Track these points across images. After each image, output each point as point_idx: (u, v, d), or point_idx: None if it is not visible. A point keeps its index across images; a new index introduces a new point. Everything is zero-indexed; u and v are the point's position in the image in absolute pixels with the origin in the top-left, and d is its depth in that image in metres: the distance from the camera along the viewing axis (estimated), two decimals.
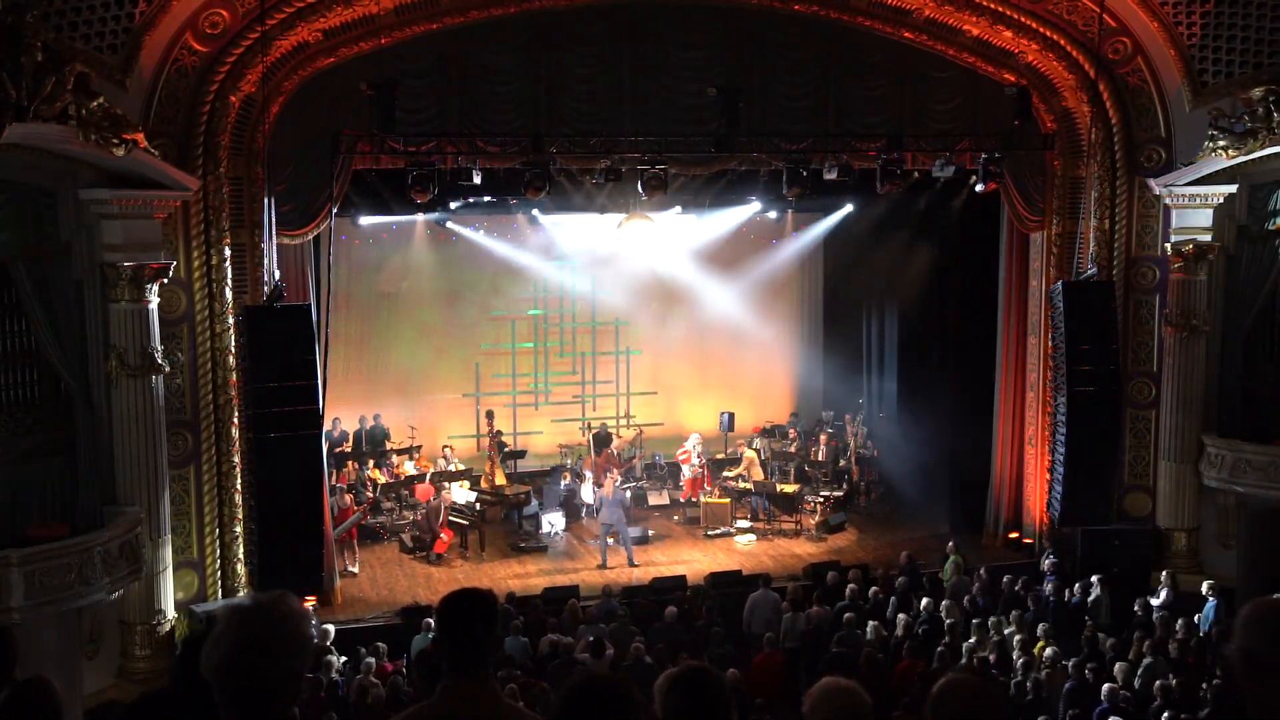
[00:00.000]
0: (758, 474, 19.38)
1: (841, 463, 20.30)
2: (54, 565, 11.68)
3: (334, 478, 18.21)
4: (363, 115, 14.03)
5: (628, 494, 18.21)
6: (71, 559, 11.82)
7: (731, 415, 21.36)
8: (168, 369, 13.36)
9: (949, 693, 3.12)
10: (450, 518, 17.77)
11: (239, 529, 14.24)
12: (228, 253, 13.92)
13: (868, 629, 12.52)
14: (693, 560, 17.16)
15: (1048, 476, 16.58)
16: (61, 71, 11.68)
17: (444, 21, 14.30)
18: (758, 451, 20.16)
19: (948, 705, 3.09)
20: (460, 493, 18.20)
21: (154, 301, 13.21)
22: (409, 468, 19.38)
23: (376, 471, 18.92)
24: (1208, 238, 15.48)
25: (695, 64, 15.24)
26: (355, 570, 16.76)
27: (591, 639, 12.30)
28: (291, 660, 2.78)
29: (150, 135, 12.83)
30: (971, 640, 12.57)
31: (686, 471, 19.85)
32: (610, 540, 17.36)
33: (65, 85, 11.70)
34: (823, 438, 20.76)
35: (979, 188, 16.32)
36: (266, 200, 14.15)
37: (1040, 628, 12.67)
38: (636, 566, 16.91)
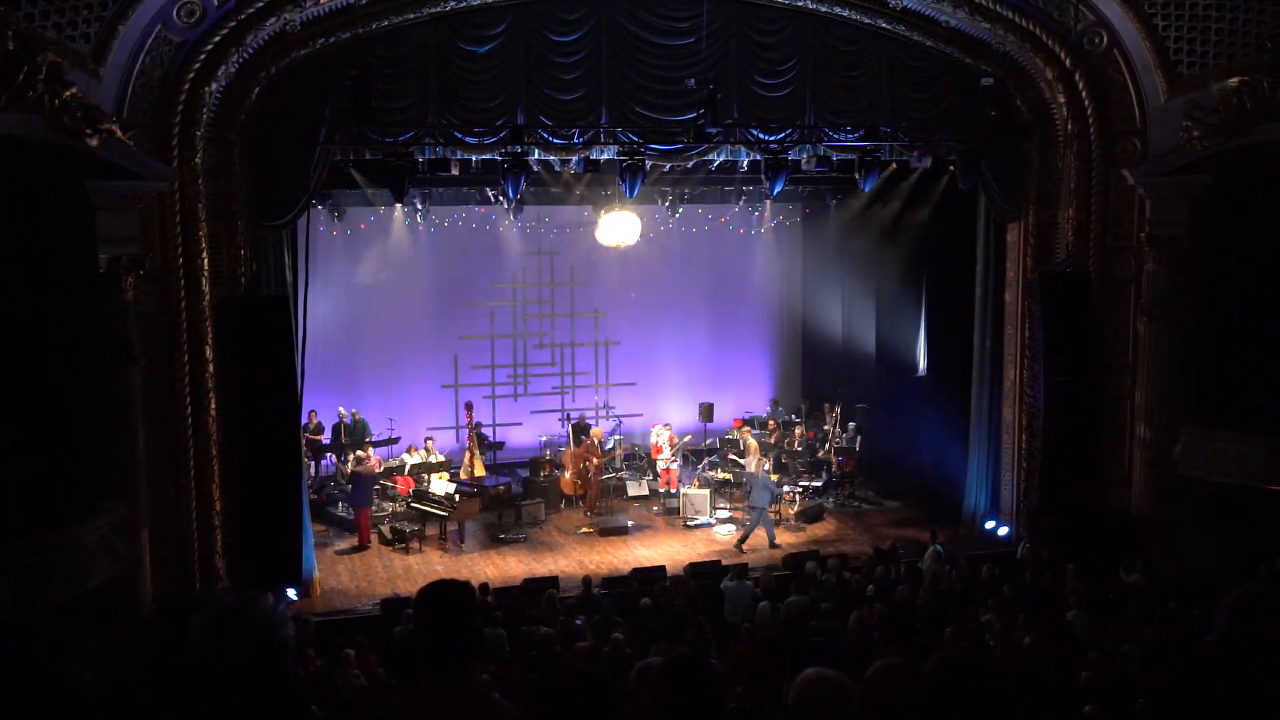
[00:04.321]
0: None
1: (820, 453, 20.37)
2: (34, 559, 11.61)
3: (311, 469, 18.19)
4: (341, 105, 13.97)
5: (773, 477, 18.36)
6: (51, 553, 11.75)
7: (711, 405, 21.41)
8: (144, 361, 13.29)
9: (811, 685, 3.16)
10: (428, 507, 17.76)
11: (217, 522, 14.17)
12: (204, 244, 13.82)
13: (851, 619, 12.56)
14: (673, 550, 17.20)
15: (1025, 465, 16.68)
16: (34, 61, 11.59)
17: (422, 10, 14.24)
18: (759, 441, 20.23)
19: (810, 697, 3.13)
20: (439, 484, 18.19)
21: (131, 293, 13.14)
22: (405, 458, 19.39)
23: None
24: (1183, 228, 15.56)
25: (674, 55, 15.21)
26: None
27: (573, 627, 12.33)
28: (269, 663, 2.76)
29: (125, 125, 12.77)
30: (949, 629, 12.62)
31: (660, 463, 19.92)
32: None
33: (37, 75, 11.62)
34: (798, 429, 20.83)
35: (963, 187, 16.40)
36: (243, 191, 14.08)
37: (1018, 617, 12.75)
38: (779, 548, 17.09)
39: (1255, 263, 15.67)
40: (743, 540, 17.34)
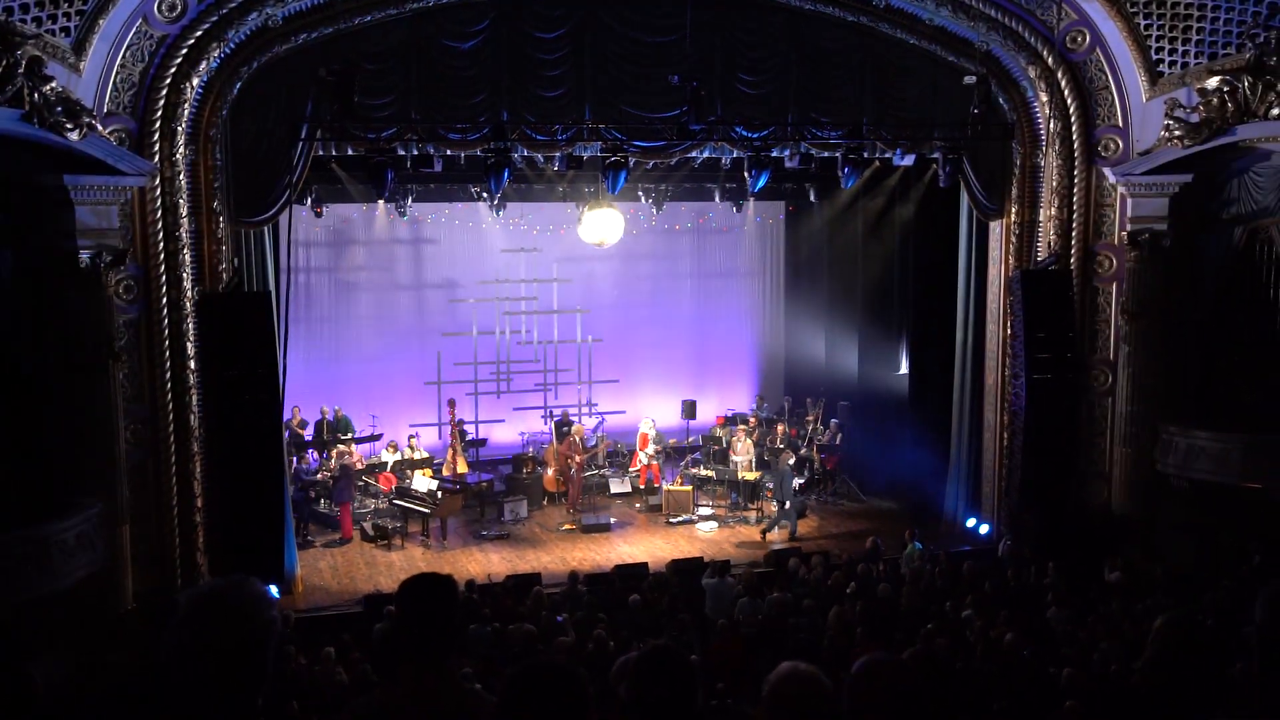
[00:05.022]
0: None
1: (802, 450, 20.41)
2: (11, 556, 11.54)
3: (294, 465, 18.14)
4: (323, 101, 13.92)
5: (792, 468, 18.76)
6: (29, 550, 11.68)
7: (693, 403, 21.43)
8: (125, 358, 13.23)
9: (785, 681, 3.17)
10: (410, 504, 17.74)
11: (198, 518, 14.12)
12: (186, 239, 13.76)
13: (830, 614, 12.59)
14: (655, 547, 17.22)
15: (1006, 463, 16.74)
16: (13, 55, 11.53)
17: (405, 6, 14.19)
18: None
19: (784, 693, 3.14)
20: (422, 481, 18.16)
21: (111, 289, 13.08)
22: (385, 455, 19.37)
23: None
24: (1163, 226, 15.66)
25: (658, 51, 15.19)
26: None
27: (554, 624, 12.32)
28: (254, 645, 2.76)
29: (106, 120, 12.71)
30: (929, 626, 12.66)
31: (643, 458, 19.95)
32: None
33: (16, 69, 11.55)
34: (780, 427, 20.86)
35: (943, 185, 16.45)
36: (225, 186, 14.02)
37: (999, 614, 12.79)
38: (797, 541, 17.34)
39: (1235, 261, 15.77)
40: (792, 534, 17.71)
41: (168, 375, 13.77)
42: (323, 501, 18.60)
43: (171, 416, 13.85)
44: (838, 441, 20.39)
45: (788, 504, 17.92)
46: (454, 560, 16.68)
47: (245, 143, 14.15)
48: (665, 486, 19.29)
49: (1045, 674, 10.90)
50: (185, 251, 13.77)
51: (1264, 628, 2.98)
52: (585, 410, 22.23)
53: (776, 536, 17.69)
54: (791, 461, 18.59)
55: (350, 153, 15.14)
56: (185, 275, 13.80)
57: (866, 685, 3.11)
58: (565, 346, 22.57)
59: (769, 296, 23.98)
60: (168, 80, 13.23)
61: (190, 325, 13.88)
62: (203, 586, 2.86)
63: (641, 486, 19.82)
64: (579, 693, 2.91)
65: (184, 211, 13.70)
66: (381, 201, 18.72)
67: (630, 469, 20.35)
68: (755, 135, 15.64)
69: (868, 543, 15.71)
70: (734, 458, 19.65)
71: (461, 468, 19.15)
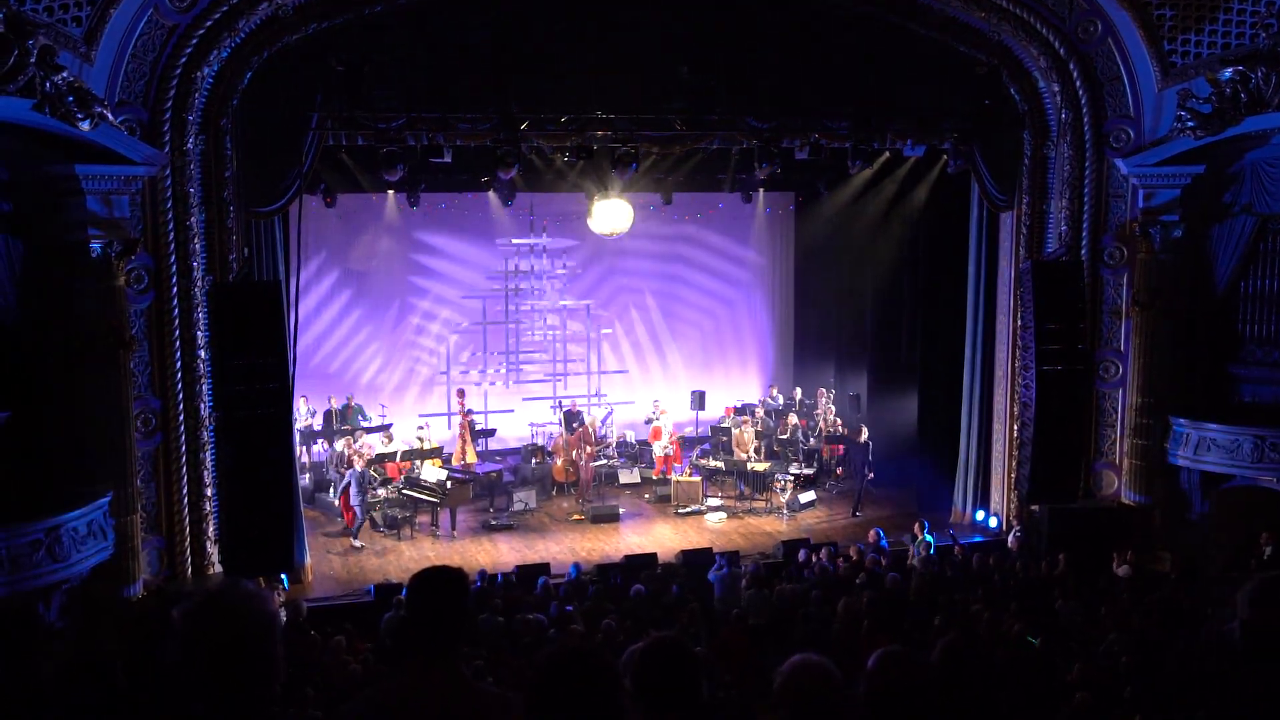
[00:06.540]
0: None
1: (812, 441, 20.40)
2: (23, 543, 11.59)
3: (303, 455, 18.20)
4: (333, 91, 13.91)
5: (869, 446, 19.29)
6: (40, 537, 11.73)
7: (702, 394, 21.43)
8: (136, 347, 13.27)
9: (796, 673, 3.16)
10: (419, 494, 17.76)
11: (209, 508, 14.17)
12: (196, 229, 13.78)
13: (839, 606, 12.58)
14: (663, 537, 17.23)
15: (1015, 454, 16.71)
16: (24, 44, 11.52)
17: None
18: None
19: (795, 685, 3.14)
20: (431, 471, 18.19)
21: (121, 278, 13.11)
22: (378, 443, 19.40)
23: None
24: (1175, 217, 15.60)
25: (668, 42, 15.16)
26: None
27: (563, 614, 12.34)
28: (258, 641, 2.76)
29: (117, 110, 12.72)
30: (938, 618, 12.64)
31: (657, 449, 19.96)
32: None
33: (28, 58, 11.55)
34: (791, 417, 20.85)
35: (951, 171, 16.39)
36: (235, 176, 14.03)
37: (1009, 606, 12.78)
38: (858, 517, 18.35)
39: (1246, 252, 15.70)
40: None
41: (178, 364, 13.82)
42: (331, 491, 18.65)
43: (181, 406, 13.89)
44: (846, 433, 20.38)
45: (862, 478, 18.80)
46: (463, 550, 16.72)
47: (256, 132, 14.16)
48: (674, 477, 19.31)
49: (1054, 666, 10.88)
50: (196, 241, 13.79)
51: (1248, 625, 2.95)
52: (594, 401, 22.23)
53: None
54: (864, 436, 19.01)
55: (360, 143, 15.15)
56: (195, 265, 13.83)
57: (884, 679, 3.11)
58: (574, 337, 22.59)
59: (778, 287, 23.95)
60: (179, 70, 13.24)
61: (200, 315, 13.92)
62: (195, 595, 2.86)
63: (655, 477, 19.83)
64: (609, 677, 2.91)
65: (194, 201, 13.73)
66: (391, 191, 18.72)
67: (640, 464, 20.40)
68: (765, 126, 15.60)
69: (870, 535, 15.72)
70: (735, 448, 19.65)
71: (471, 458, 19.18)
